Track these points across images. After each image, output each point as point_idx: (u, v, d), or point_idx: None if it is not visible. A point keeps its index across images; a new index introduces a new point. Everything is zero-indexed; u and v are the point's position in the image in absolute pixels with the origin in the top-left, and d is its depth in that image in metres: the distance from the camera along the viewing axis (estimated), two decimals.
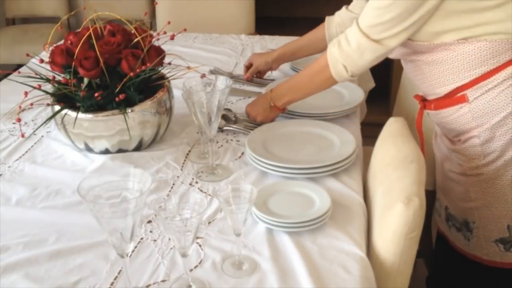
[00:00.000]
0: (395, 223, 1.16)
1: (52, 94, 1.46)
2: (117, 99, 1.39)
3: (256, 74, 1.97)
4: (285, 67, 2.05)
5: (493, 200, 1.48)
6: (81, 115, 1.41)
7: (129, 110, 1.42)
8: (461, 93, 1.42)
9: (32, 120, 1.71)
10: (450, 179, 1.57)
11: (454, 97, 1.44)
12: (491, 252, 1.54)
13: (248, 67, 1.98)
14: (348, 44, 1.42)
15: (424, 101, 1.57)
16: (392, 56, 1.54)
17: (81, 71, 1.39)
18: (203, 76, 1.41)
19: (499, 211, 1.49)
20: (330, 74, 1.48)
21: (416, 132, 1.60)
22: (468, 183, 1.51)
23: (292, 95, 1.59)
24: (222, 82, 1.38)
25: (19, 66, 2.14)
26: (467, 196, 1.52)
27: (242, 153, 1.51)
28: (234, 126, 1.62)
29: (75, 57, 1.39)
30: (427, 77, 1.46)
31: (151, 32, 1.50)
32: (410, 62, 1.50)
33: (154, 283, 1.09)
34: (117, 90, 1.40)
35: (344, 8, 1.84)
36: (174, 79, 1.52)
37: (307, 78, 1.57)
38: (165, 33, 1.51)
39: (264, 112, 1.61)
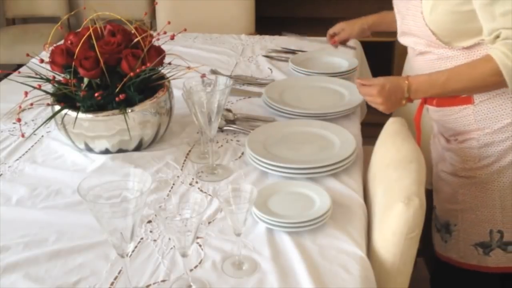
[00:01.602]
0: (395, 223, 1.16)
1: (52, 94, 1.46)
2: (117, 99, 1.39)
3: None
4: (285, 67, 2.05)
5: (480, 204, 1.48)
6: (81, 115, 1.41)
7: (129, 110, 1.42)
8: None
9: (32, 120, 1.71)
10: (440, 179, 1.56)
11: (459, 97, 1.43)
12: (468, 255, 1.53)
13: (332, 35, 1.98)
14: None
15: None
16: (404, 42, 1.52)
17: (81, 71, 1.39)
18: (203, 76, 1.41)
19: (484, 216, 1.48)
20: (506, 84, 1.31)
21: (414, 129, 1.59)
22: (457, 184, 1.50)
23: (438, 91, 1.41)
24: (222, 82, 1.38)
25: (19, 66, 2.14)
26: (454, 197, 1.52)
27: (242, 153, 1.51)
28: (234, 126, 1.62)
29: (75, 57, 1.39)
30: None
31: (151, 32, 1.50)
32: (421, 55, 1.48)
33: (154, 283, 1.09)
34: (117, 90, 1.40)
35: None
36: (174, 79, 1.52)
37: (469, 83, 1.37)
38: (165, 33, 1.51)
39: (395, 103, 1.43)
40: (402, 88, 1.41)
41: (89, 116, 1.42)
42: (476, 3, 1.30)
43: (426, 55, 1.46)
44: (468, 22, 1.34)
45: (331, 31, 1.99)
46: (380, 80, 1.44)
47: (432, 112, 1.57)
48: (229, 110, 1.67)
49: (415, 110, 1.63)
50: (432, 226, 1.62)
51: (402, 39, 1.54)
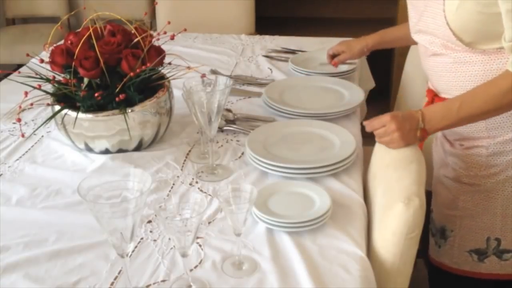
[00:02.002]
0: (395, 223, 1.16)
1: (52, 94, 1.46)
2: (117, 99, 1.39)
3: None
4: (285, 67, 2.05)
5: (481, 212, 1.46)
6: (81, 115, 1.41)
7: (129, 110, 1.42)
8: None
9: (32, 120, 1.71)
10: (441, 183, 1.54)
11: None
12: (461, 261, 1.52)
13: (332, 56, 1.95)
14: None
15: (435, 96, 1.51)
16: (418, 39, 1.47)
17: (81, 71, 1.39)
18: (203, 76, 1.41)
19: (484, 223, 1.47)
20: None
21: None
22: (459, 190, 1.48)
23: (455, 117, 1.33)
24: (222, 82, 1.38)
25: (19, 66, 2.14)
26: (454, 203, 1.50)
27: (242, 153, 1.51)
28: (234, 126, 1.62)
29: (75, 57, 1.39)
30: (450, 76, 1.41)
31: (151, 32, 1.50)
32: (435, 57, 1.43)
33: (154, 283, 1.09)
34: (117, 90, 1.40)
35: None
36: (174, 79, 1.52)
37: (488, 105, 1.31)
38: (165, 33, 1.51)
39: (409, 134, 1.34)
40: (416, 117, 1.34)
41: (89, 116, 1.42)
42: (502, 7, 1.25)
43: (440, 57, 1.41)
44: (494, 24, 1.29)
45: (330, 51, 1.96)
46: (390, 112, 1.39)
47: None
48: (229, 110, 1.67)
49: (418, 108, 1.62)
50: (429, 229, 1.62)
51: (416, 37, 1.48)
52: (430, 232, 1.59)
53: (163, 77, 1.53)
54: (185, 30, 1.65)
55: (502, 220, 1.46)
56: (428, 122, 1.34)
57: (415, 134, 1.35)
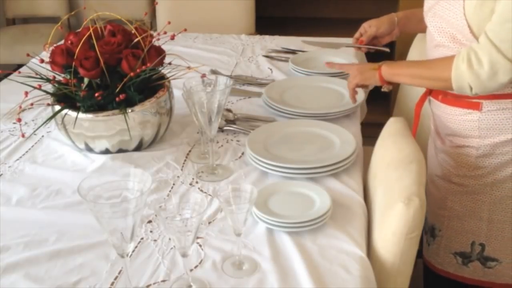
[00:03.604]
0: (395, 223, 1.16)
1: (52, 94, 1.46)
2: (117, 99, 1.39)
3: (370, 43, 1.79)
4: (285, 67, 2.05)
5: (468, 214, 1.47)
6: (81, 115, 1.41)
7: (130, 110, 1.42)
8: (477, 100, 1.38)
9: (33, 120, 1.71)
10: (431, 181, 1.55)
11: (468, 100, 1.40)
12: (446, 263, 1.53)
13: (359, 38, 1.78)
14: (480, 65, 1.27)
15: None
16: (429, 22, 1.45)
17: (81, 71, 1.39)
18: (203, 76, 1.41)
19: (470, 226, 1.48)
20: (451, 84, 1.33)
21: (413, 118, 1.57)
22: (448, 190, 1.49)
23: (403, 70, 1.47)
24: (222, 82, 1.38)
25: (19, 66, 2.14)
26: (443, 203, 1.50)
27: (243, 153, 1.51)
28: (234, 126, 1.62)
29: (75, 57, 1.39)
30: None
31: (151, 32, 1.50)
32: (440, 48, 1.42)
33: (154, 283, 1.09)
34: (117, 90, 1.40)
35: None
36: (174, 79, 1.52)
37: (426, 71, 1.41)
38: (165, 33, 1.51)
39: (364, 71, 1.53)
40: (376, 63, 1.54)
41: (89, 116, 1.42)
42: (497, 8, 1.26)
43: (446, 49, 1.39)
44: None
45: (357, 34, 1.79)
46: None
47: (434, 106, 1.52)
48: (229, 110, 1.67)
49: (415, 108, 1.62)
50: None
51: (428, 19, 1.45)
52: (423, 230, 1.59)
53: (163, 77, 1.54)
54: (185, 30, 1.65)
55: (487, 226, 1.46)
56: (385, 63, 1.49)
57: (373, 71, 1.51)
